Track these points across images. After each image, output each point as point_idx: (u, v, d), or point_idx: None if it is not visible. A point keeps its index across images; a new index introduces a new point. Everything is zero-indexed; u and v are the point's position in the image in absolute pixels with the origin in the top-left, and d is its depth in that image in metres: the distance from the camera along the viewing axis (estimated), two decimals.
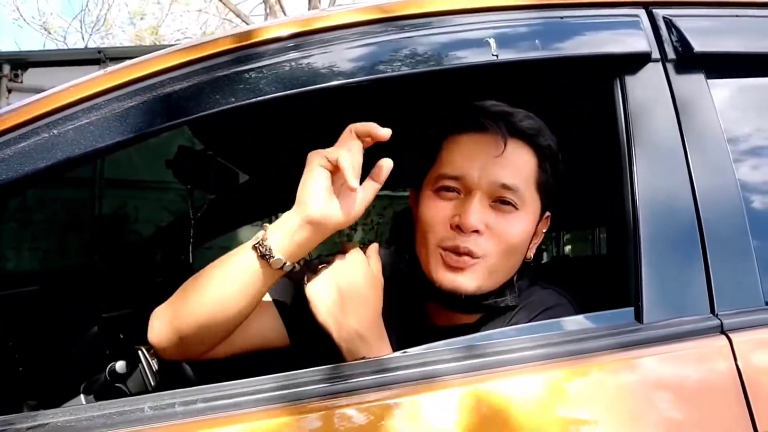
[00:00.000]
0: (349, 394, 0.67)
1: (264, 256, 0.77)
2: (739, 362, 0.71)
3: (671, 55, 0.84)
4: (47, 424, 0.62)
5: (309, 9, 9.77)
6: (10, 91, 5.21)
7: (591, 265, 1.70)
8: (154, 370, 0.90)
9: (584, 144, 1.13)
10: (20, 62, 5.24)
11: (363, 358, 0.79)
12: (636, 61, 0.84)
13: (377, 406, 0.66)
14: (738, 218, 0.79)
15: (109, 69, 0.78)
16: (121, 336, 1.20)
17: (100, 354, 1.15)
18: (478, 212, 0.85)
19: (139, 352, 0.92)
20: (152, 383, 0.92)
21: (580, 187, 1.26)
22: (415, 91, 1.12)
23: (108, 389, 0.95)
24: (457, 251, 0.85)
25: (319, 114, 1.28)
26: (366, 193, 0.80)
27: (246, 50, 0.78)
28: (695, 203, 0.78)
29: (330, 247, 1.06)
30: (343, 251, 0.85)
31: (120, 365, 0.95)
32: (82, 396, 0.96)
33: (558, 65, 0.85)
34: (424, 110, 1.05)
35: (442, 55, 0.80)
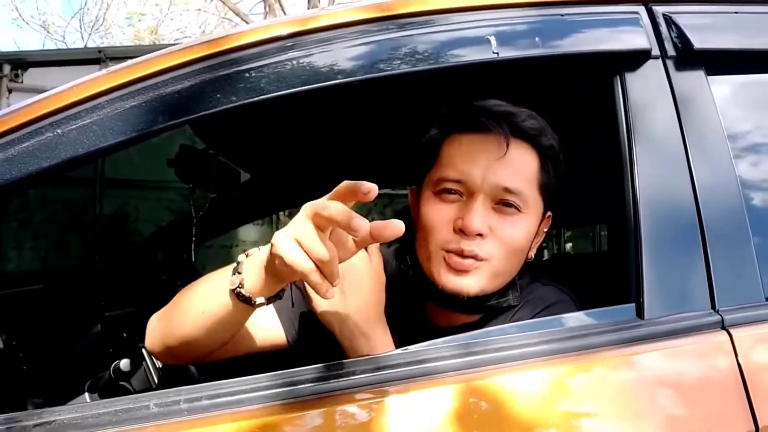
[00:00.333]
0: (352, 391, 0.67)
1: (244, 301, 0.73)
2: (739, 358, 0.72)
3: (671, 51, 0.84)
4: (53, 421, 0.62)
5: (308, 7, 9.76)
6: (10, 91, 5.21)
7: (592, 261, 1.71)
8: (158, 368, 0.91)
9: (585, 141, 1.14)
10: (20, 62, 5.24)
11: (366, 355, 0.79)
12: (636, 58, 0.84)
13: (380, 403, 0.66)
14: (738, 214, 0.79)
15: (112, 68, 0.78)
16: (124, 335, 1.20)
17: (103, 352, 1.16)
18: (481, 215, 0.84)
19: (143, 350, 0.92)
20: (156, 381, 0.92)
21: (581, 184, 1.26)
22: (416, 89, 1.12)
23: (112, 387, 0.96)
24: (461, 254, 0.84)
25: (319, 112, 1.29)
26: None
27: (247, 49, 0.78)
28: (695, 199, 0.78)
29: None
30: None
31: (124, 363, 0.95)
32: (86, 394, 0.97)
33: (558, 63, 0.86)
34: (425, 109, 1.05)
35: (443, 53, 0.80)
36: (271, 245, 0.66)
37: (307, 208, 0.64)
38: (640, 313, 0.74)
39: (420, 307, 0.94)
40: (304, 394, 0.66)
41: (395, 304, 0.89)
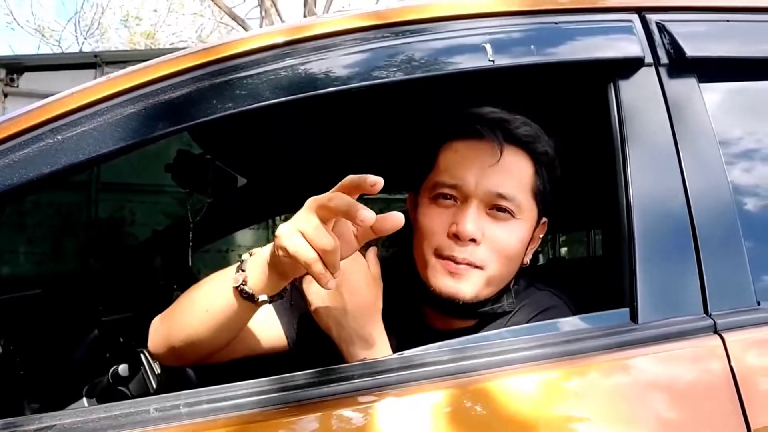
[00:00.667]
0: (349, 395, 0.68)
1: (248, 298, 0.75)
2: (732, 361, 0.72)
3: (664, 59, 0.85)
4: (54, 426, 0.62)
5: (304, 11, 9.77)
6: (6, 95, 5.21)
7: (587, 266, 1.72)
8: (156, 373, 0.91)
9: (580, 147, 1.15)
10: (16, 66, 5.23)
11: (363, 358, 0.80)
12: (629, 66, 0.85)
13: (376, 407, 0.67)
14: (730, 219, 0.80)
15: (112, 75, 0.79)
16: (121, 339, 1.20)
17: (100, 357, 1.16)
18: (474, 221, 0.85)
19: (141, 355, 0.93)
20: (154, 386, 0.93)
21: (576, 189, 1.27)
22: (413, 96, 1.13)
23: (110, 392, 0.96)
24: (455, 260, 0.85)
25: (316, 118, 1.30)
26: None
27: (245, 57, 0.78)
28: (688, 205, 0.79)
29: None
30: None
31: (123, 368, 0.96)
32: (84, 399, 0.97)
33: (553, 70, 0.86)
34: (421, 116, 1.06)
35: (439, 61, 0.81)
36: (275, 237, 0.68)
37: (311, 202, 0.66)
38: (633, 317, 0.75)
39: (417, 311, 0.95)
40: (302, 398, 0.66)
41: (393, 308, 0.90)
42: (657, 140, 0.82)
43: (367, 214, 0.61)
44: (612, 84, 0.85)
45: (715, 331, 0.74)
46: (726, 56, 0.88)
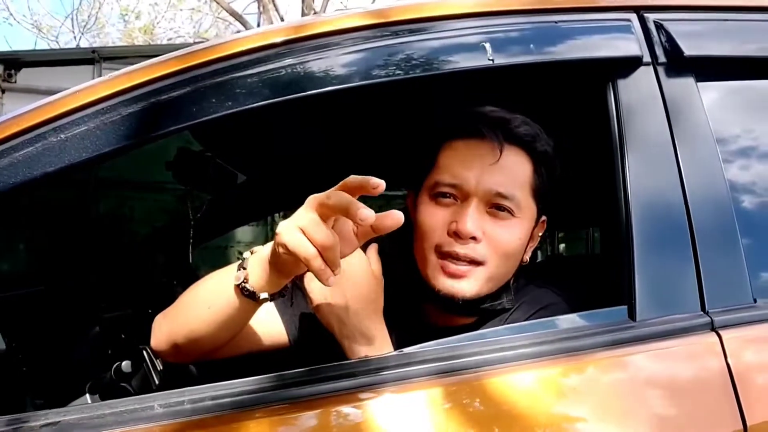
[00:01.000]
0: (350, 392, 0.68)
1: (249, 296, 0.76)
2: (728, 358, 0.73)
3: (662, 58, 0.86)
4: (59, 422, 0.63)
5: (302, 6, 9.75)
6: (3, 91, 5.21)
7: (585, 264, 1.73)
8: (159, 369, 0.92)
9: (578, 146, 1.15)
10: (14, 62, 5.23)
11: (365, 355, 0.81)
12: (628, 65, 0.85)
13: (377, 404, 0.68)
14: (727, 217, 0.81)
15: (114, 74, 0.79)
16: (123, 336, 1.21)
17: (102, 354, 1.16)
18: (474, 219, 0.86)
19: (144, 352, 0.93)
20: (156, 382, 0.93)
21: (575, 188, 1.28)
22: (412, 95, 1.14)
23: (113, 388, 0.97)
24: (456, 257, 0.86)
25: (315, 116, 1.30)
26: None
27: (246, 55, 0.78)
28: (686, 203, 0.80)
29: None
30: None
31: (126, 365, 0.96)
32: (87, 395, 0.98)
33: (552, 69, 0.87)
34: (422, 115, 1.06)
35: (439, 60, 0.81)
36: (276, 234, 0.68)
37: (311, 199, 0.67)
38: (632, 315, 0.76)
39: (418, 307, 0.96)
40: (304, 395, 0.67)
41: (394, 305, 0.91)
42: (655, 139, 0.83)
43: (367, 213, 0.62)
44: (610, 83, 0.85)
45: (713, 329, 0.75)
46: (723, 55, 0.89)
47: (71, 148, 0.72)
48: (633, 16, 0.88)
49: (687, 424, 0.71)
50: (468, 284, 0.87)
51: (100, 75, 5.48)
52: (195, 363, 0.98)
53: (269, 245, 0.73)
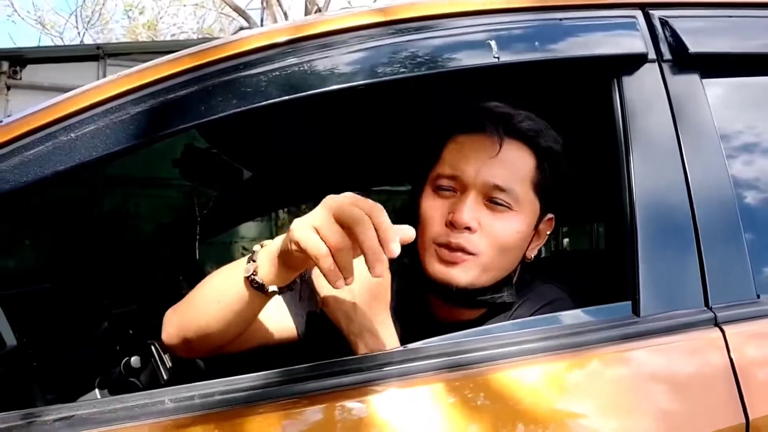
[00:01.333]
0: (355, 387, 0.69)
1: (258, 288, 0.76)
2: (731, 353, 0.74)
3: (667, 55, 0.86)
4: (72, 416, 0.64)
5: (306, 2, 9.74)
6: (9, 88, 5.22)
7: (590, 259, 1.73)
8: (167, 365, 0.93)
9: (583, 143, 1.16)
10: (19, 59, 5.25)
11: (372, 350, 0.82)
12: (633, 62, 0.86)
13: (382, 399, 0.68)
14: (731, 214, 0.81)
15: (122, 73, 0.80)
16: (130, 332, 1.22)
17: (110, 350, 1.18)
18: (471, 210, 0.87)
19: (152, 347, 0.94)
20: (165, 377, 0.94)
21: (580, 184, 1.28)
22: (419, 92, 1.14)
23: (122, 383, 0.98)
24: (450, 245, 0.87)
25: (320, 113, 1.31)
26: None
27: (254, 54, 0.79)
28: (690, 200, 0.80)
29: None
30: None
31: (135, 360, 0.98)
32: (96, 390, 0.99)
33: (558, 66, 0.87)
34: (428, 112, 1.07)
35: (446, 58, 0.82)
36: (290, 230, 0.69)
37: (329, 200, 0.67)
38: (636, 310, 0.76)
39: (424, 301, 0.97)
40: (313, 390, 0.68)
41: (401, 298, 0.92)
42: (660, 135, 0.83)
43: (395, 248, 0.63)
44: (616, 80, 0.86)
45: (716, 324, 0.76)
46: (728, 52, 0.89)
47: (81, 146, 0.73)
48: (638, 13, 0.88)
49: (690, 418, 0.72)
50: (462, 272, 0.87)
51: (104, 71, 5.49)
52: (204, 358, 0.99)
53: (280, 238, 0.74)
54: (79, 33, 12.76)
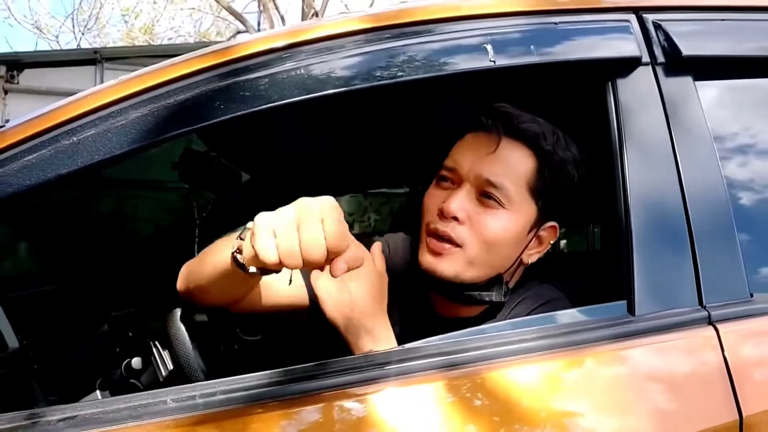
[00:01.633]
0: (355, 386, 0.70)
1: (240, 267, 0.75)
2: (725, 352, 0.75)
3: (660, 58, 0.87)
4: (76, 416, 0.65)
5: (303, 6, 9.75)
6: (6, 92, 5.22)
7: (586, 260, 1.74)
8: (169, 368, 0.94)
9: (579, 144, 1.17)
10: (16, 63, 5.25)
11: (369, 350, 0.83)
12: (627, 65, 0.87)
13: (381, 398, 0.69)
14: (724, 214, 0.82)
15: (123, 78, 0.81)
16: (131, 334, 1.23)
17: (111, 351, 1.18)
18: (460, 200, 0.88)
19: (153, 347, 0.95)
20: (164, 376, 0.95)
21: (577, 185, 1.29)
22: (417, 96, 1.15)
23: (123, 384, 0.99)
24: (437, 235, 0.89)
25: (318, 116, 1.32)
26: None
27: (254, 59, 0.80)
28: (684, 200, 0.81)
29: None
30: None
31: (136, 361, 0.98)
32: (98, 391, 1.00)
33: (553, 70, 0.88)
34: (429, 114, 1.08)
35: (440, 62, 0.82)
36: (254, 222, 0.68)
37: (301, 211, 0.67)
38: (631, 309, 0.77)
39: (425, 296, 0.98)
40: (312, 389, 0.69)
41: (401, 293, 0.93)
42: (654, 137, 0.84)
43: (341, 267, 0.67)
44: (610, 83, 0.87)
45: (710, 323, 0.77)
46: (721, 55, 0.90)
47: (84, 150, 0.74)
48: (632, 17, 0.89)
49: (684, 416, 0.73)
50: (446, 264, 0.89)
51: (102, 75, 5.50)
52: (204, 357, 0.99)
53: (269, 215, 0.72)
54: (75, 37, 12.76)
